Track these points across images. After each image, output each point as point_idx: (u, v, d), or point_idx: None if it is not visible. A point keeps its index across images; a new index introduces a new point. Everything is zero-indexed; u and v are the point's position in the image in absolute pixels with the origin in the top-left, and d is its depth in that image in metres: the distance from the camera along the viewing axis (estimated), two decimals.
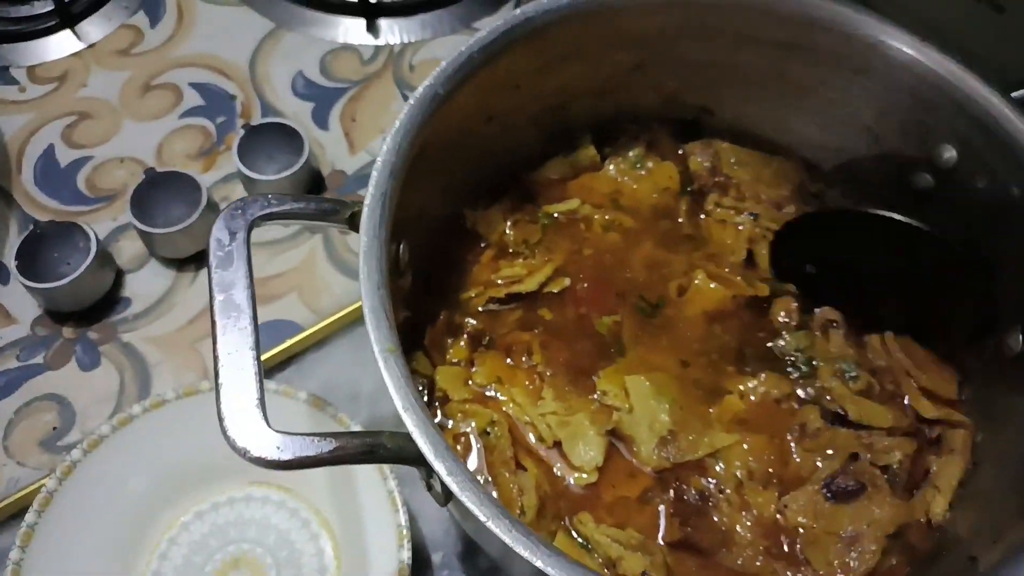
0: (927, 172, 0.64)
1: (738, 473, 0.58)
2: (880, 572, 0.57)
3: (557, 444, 0.60)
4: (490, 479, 0.59)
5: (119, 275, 0.75)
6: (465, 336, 0.65)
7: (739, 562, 0.56)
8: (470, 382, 0.63)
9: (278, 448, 0.44)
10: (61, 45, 0.90)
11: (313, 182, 0.81)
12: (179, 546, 0.64)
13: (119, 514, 0.63)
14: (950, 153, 0.62)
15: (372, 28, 0.92)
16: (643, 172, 0.73)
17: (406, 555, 0.59)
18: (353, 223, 0.54)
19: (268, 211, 0.52)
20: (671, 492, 0.58)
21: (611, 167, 0.73)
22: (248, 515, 0.65)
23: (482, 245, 0.70)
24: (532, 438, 0.61)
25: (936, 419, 0.62)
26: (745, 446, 0.59)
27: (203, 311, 0.74)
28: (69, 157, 0.82)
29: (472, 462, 0.59)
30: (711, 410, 0.61)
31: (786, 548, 0.57)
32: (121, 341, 0.73)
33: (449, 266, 0.68)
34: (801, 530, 0.57)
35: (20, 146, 0.83)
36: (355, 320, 0.76)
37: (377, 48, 0.91)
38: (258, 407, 0.45)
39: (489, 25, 0.61)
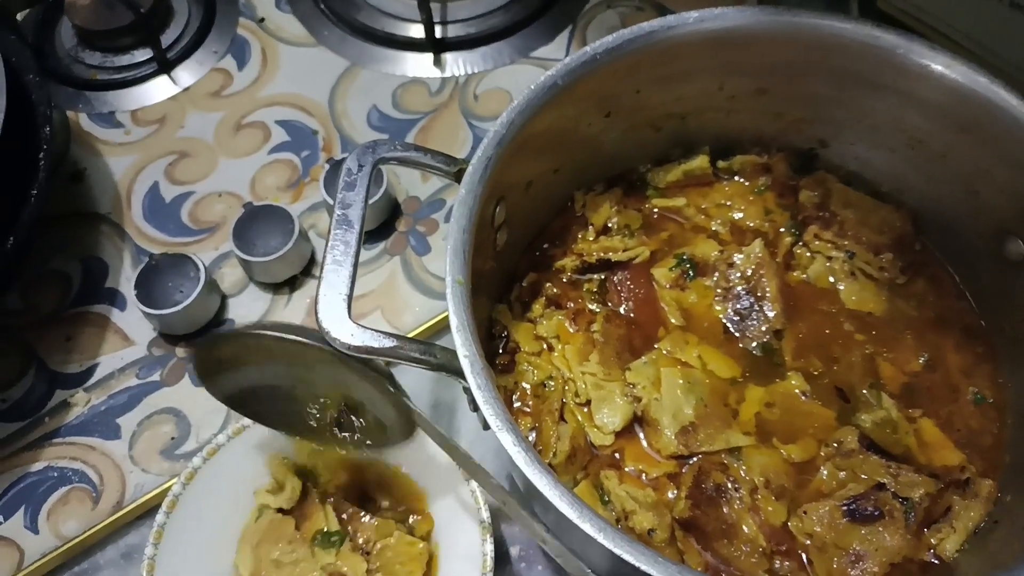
0: (1020, 238, 0.66)
1: (756, 479, 0.65)
2: None
3: (588, 403, 0.68)
4: (537, 425, 0.67)
5: (223, 299, 0.84)
6: (544, 298, 0.74)
7: (736, 554, 0.62)
8: (535, 332, 0.72)
9: (351, 335, 0.55)
10: (160, 90, 0.99)
11: (391, 209, 0.88)
12: None
13: (233, 511, 0.71)
14: None
15: (438, 62, 0.99)
16: (753, 195, 0.79)
17: (489, 548, 0.66)
18: (459, 178, 0.63)
19: (393, 154, 0.63)
20: (692, 478, 0.64)
21: (726, 185, 0.80)
22: None
23: (589, 226, 0.78)
24: (569, 394, 0.69)
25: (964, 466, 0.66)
26: (766, 458, 0.66)
27: None
28: (173, 193, 0.91)
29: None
30: (735, 414, 0.68)
31: (789, 549, 0.63)
32: None
33: (552, 237, 0.78)
34: (811, 537, 0.63)
35: (129, 184, 0.92)
36: (434, 334, 0.83)
37: (443, 80, 0.98)
38: (344, 301, 0.56)
39: (592, 44, 0.68)
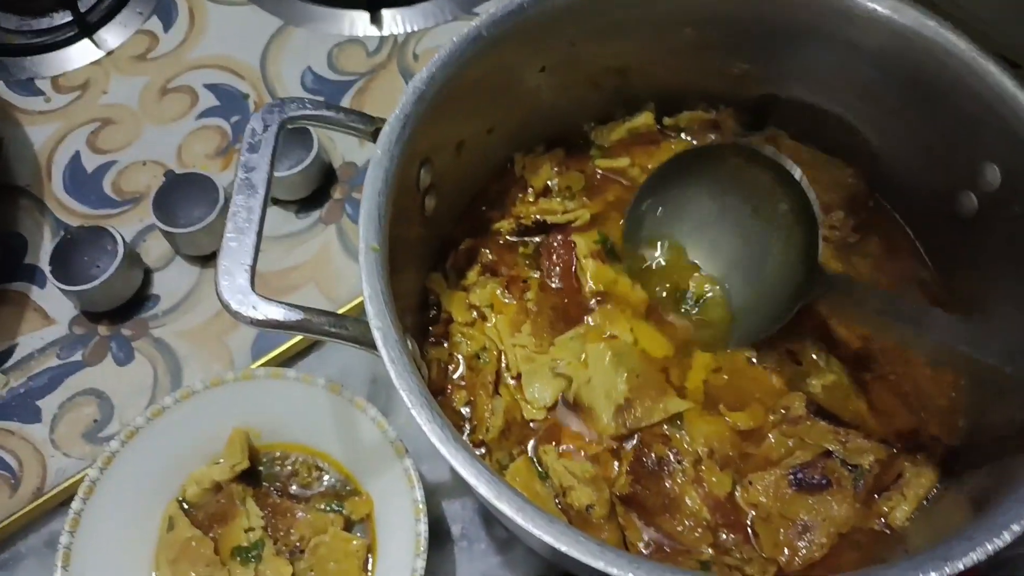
0: (972, 192, 0.63)
1: (700, 450, 0.61)
2: (824, 564, 0.59)
3: (519, 376, 0.65)
4: (472, 399, 0.64)
5: (147, 274, 0.80)
6: (480, 265, 0.71)
7: (678, 528, 0.59)
8: (468, 301, 0.69)
9: (254, 308, 0.50)
10: (81, 54, 0.94)
11: (324, 175, 0.84)
12: None
13: (153, 496, 0.68)
14: (993, 173, 0.61)
15: (376, 20, 0.94)
16: None
17: (423, 528, 0.62)
18: (375, 137, 0.59)
19: (301, 112, 0.58)
20: (632, 452, 0.62)
21: (673, 143, 0.76)
22: None
23: (528, 188, 0.74)
24: (503, 365, 0.66)
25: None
26: (710, 426, 0.62)
27: None
28: (95, 163, 0.86)
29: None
30: (670, 378, 0.65)
31: (734, 521, 0.60)
32: (152, 336, 0.77)
33: (490, 200, 0.74)
34: (756, 508, 0.60)
35: (49, 154, 0.87)
36: None
37: (382, 39, 0.93)
38: (247, 272, 0.51)
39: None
